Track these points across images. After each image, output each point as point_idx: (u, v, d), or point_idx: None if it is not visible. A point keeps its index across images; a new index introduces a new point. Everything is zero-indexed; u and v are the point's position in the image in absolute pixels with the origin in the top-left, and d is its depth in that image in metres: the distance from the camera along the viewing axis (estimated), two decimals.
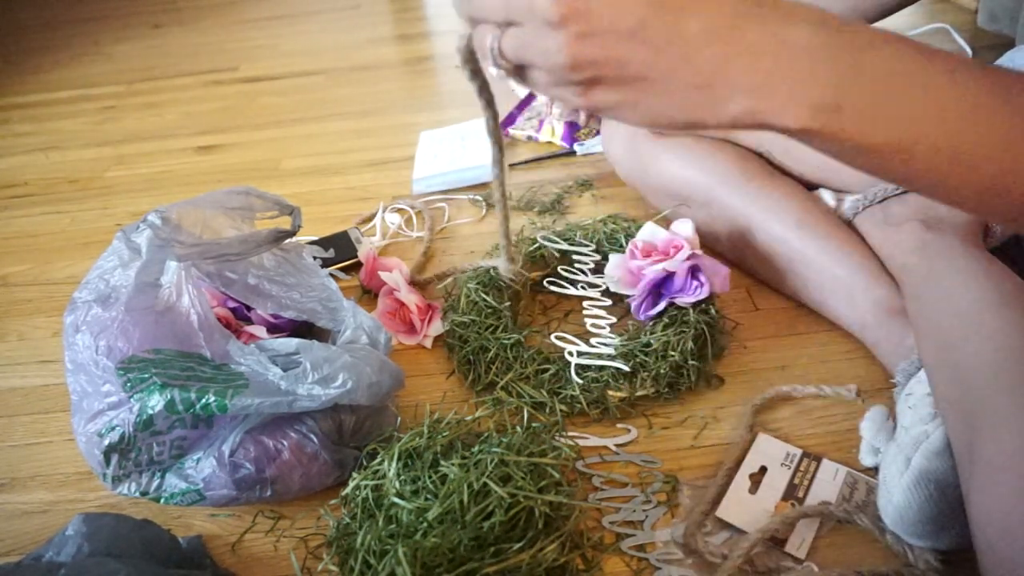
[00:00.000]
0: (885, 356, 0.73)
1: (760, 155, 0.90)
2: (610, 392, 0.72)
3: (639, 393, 0.72)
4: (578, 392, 0.71)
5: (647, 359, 0.73)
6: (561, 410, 0.71)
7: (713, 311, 0.77)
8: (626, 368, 0.72)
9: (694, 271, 0.76)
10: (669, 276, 0.76)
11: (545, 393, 0.72)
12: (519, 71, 0.40)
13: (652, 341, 0.74)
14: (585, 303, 0.80)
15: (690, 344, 0.73)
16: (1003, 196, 0.35)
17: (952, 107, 0.34)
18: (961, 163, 0.35)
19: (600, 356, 0.73)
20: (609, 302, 0.81)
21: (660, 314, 0.76)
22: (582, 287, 0.82)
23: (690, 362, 0.73)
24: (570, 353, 0.73)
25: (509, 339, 0.76)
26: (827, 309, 0.79)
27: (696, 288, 0.75)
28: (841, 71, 0.34)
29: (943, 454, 0.57)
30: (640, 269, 0.78)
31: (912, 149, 0.35)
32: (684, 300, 0.75)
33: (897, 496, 0.57)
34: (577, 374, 0.73)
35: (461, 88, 1.49)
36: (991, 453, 0.50)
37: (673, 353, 0.72)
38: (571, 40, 0.35)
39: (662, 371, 0.72)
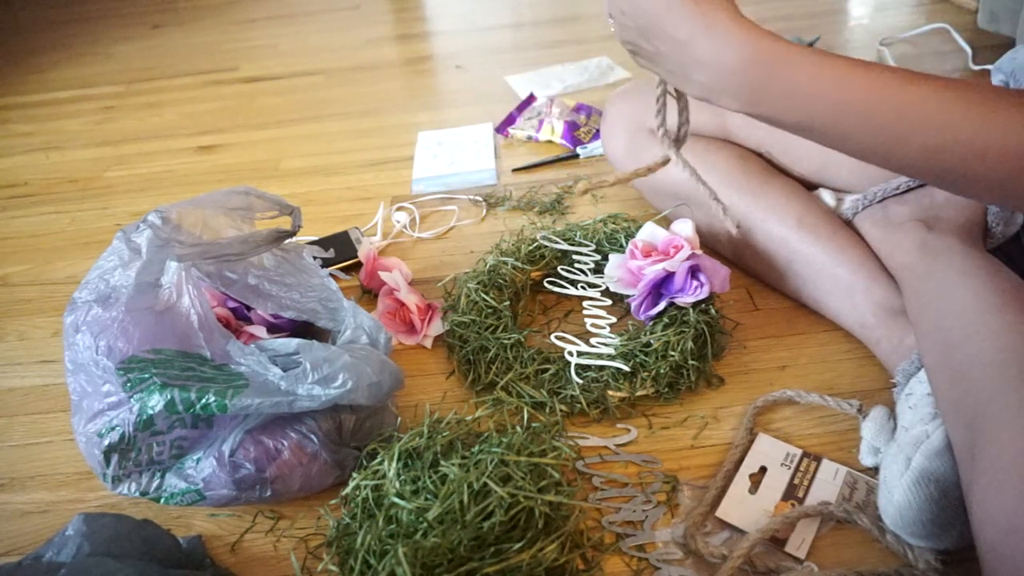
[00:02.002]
0: (885, 356, 0.73)
1: (760, 155, 0.90)
2: (610, 392, 0.72)
3: (639, 393, 0.72)
4: (578, 392, 0.71)
5: (647, 359, 0.73)
6: (561, 410, 0.71)
7: (713, 311, 0.77)
8: (626, 368, 0.72)
9: (694, 271, 0.76)
10: (669, 276, 0.76)
11: (545, 393, 0.72)
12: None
13: (652, 341, 0.74)
14: (585, 303, 0.80)
15: (690, 344, 0.73)
16: (886, 157, 0.52)
17: (836, 100, 0.51)
18: (845, 138, 0.52)
19: (600, 356, 0.73)
20: (609, 302, 0.81)
21: (660, 314, 0.76)
22: (582, 287, 0.82)
23: (690, 362, 0.73)
24: (570, 353, 0.74)
25: (509, 339, 0.76)
26: (827, 309, 0.79)
27: (696, 288, 0.75)
28: (754, 84, 0.53)
29: (944, 454, 0.57)
30: (640, 269, 0.78)
31: (810, 127, 0.53)
32: (684, 300, 0.75)
33: (897, 496, 0.57)
34: (577, 374, 0.73)
35: (461, 88, 1.50)
36: (993, 454, 0.50)
37: (673, 353, 0.72)
38: (617, 28, 0.60)
39: (662, 371, 0.72)
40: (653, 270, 0.76)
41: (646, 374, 0.72)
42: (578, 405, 0.72)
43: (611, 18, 0.61)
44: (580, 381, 0.72)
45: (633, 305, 0.78)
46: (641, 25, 0.56)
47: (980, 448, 0.52)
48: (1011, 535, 0.46)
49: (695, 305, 0.76)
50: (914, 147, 0.50)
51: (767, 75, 0.52)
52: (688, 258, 0.76)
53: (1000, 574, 0.47)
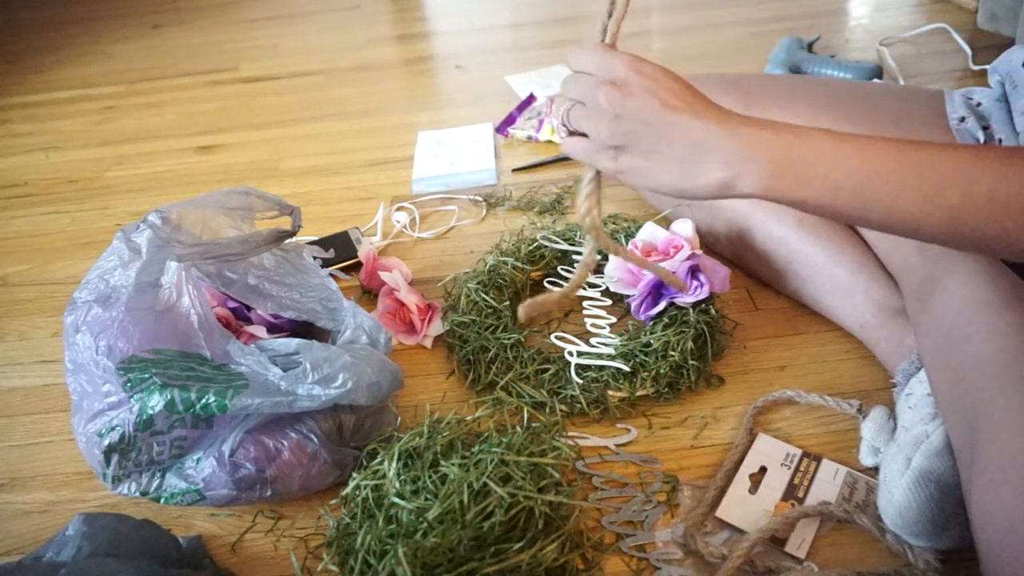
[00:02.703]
0: (885, 356, 0.73)
1: None
2: (610, 392, 0.72)
3: (639, 393, 0.72)
4: (578, 392, 0.71)
5: (647, 359, 0.73)
6: (561, 410, 0.71)
7: (713, 311, 0.77)
8: (626, 368, 0.72)
9: (694, 271, 0.76)
10: None
11: (545, 393, 0.72)
12: (574, 134, 0.58)
13: (652, 341, 0.74)
14: (585, 303, 0.80)
15: (690, 344, 0.73)
16: (914, 225, 0.51)
17: (857, 171, 0.50)
18: (867, 207, 0.51)
19: (600, 356, 0.73)
20: (609, 302, 0.81)
21: (660, 314, 0.76)
22: (582, 287, 0.82)
23: (690, 362, 0.73)
24: (570, 353, 0.74)
25: (509, 339, 0.76)
26: (827, 309, 0.79)
27: (696, 288, 0.75)
28: (774, 159, 0.52)
29: (943, 454, 0.57)
30: (640, 269, 0.78)
31: (832, 202, 0.52)
32: (684, 300, 0.75)
33: (897, 496, 0.57)
34: (577, 374, 0.73)
35: (461, 88, 1.50)
36: (992, 454, 0.50)
37: (673, 353, 0.72)
38: (611, 119, 0.54)
39: (662, 371, 0.72)
40: None
41: (646, 374, 0.72)
42: (578, 405, 0.72)
43: (567, 119, 0.57)
44: (580, 381, 0.72)
45: (633, 305, 0.78)
46: (650, 117, 0.53)
47: (980, 448, 0.52)
48: (1010, 534, 0.46)
49: (695, 305, 0.76)
50: (939, 208, 0.49)
51: (787, 151, 0.51)
52: (688, 258, 0.76)
53: (1000, 574, 0.47)
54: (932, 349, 0.64)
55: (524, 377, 0.74)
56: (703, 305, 0.76)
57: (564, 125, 0.58)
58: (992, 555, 0.47)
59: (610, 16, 0.58)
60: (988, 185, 0.48)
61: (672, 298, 0.76)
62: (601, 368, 0.73)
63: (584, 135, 0.57)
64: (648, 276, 0.76)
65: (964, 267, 0.67)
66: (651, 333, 0.75)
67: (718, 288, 0.77)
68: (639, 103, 0.53)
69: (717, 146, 0.52)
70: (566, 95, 0.58)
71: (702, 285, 0.75)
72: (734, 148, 0.52)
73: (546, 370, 0.74)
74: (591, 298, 0.81)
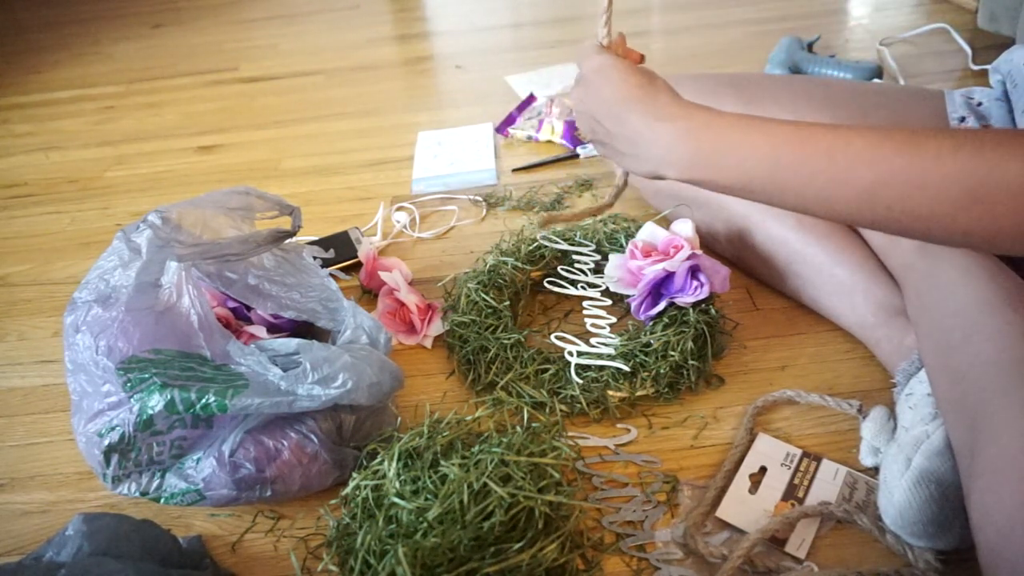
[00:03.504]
0: (885, 356, 0.73)
1: None
2: (610, 392, 0.72)
3: (639, 393, 0.72)
4: (578, 392, 0.71)
5: (647, 359, 0.73)
6: (561, 410, 0.71)
7: (713, 311, 0.77)
8: (626, 368, 0.72)
9: (694, 271, 0.76)
10: (669, 276, 0.76)
11: (545, 393, 0.72)
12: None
13: (652, 341, 0.74)
14: (585, 303, 0.80)
15: (690, 344, 0.73)
16: (827, 205, 0.52)
17: (767, 157, 0.53)
18: (782, 189, 0.54)
19: (600, 356, 0.73)
20: (609, 302, 0.81)
21: (660, 314, 0.76)
22: (582, 287, 0.82)
23: (690, 362, 0.73)
24: (570, 353, 0.74)
25: (509, 339, 0.76)
26: (827, 309, 0.79)
27: (696, 288, 0.75)
28: (690, 150, 0.57)
29: (944, 454, 0.57)
30: (640, 269, 0.78)
31: (749, 185, 0.55)
32: (684, 300, 0.75)
33: (898, 496, 0.57)
34: (577, 374, 0.73)
35: (461, 88, 1.50)
36: (993, 454, 0.50)
37: (673, 353, 0.72)
38: (579, 114, 0.66)
39: (662, 371, 0.72)
40: (653, 270, 0.76)
41: (646, 374, 0.72)
42: (578, 405, 0.72)
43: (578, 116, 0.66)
44: (580, 381, 0.72)
45: (633, 305, 0.78)
46: (598, 112, 0.62)
47: (980, 448, 0.52)
48: (1010, 535, 0.46)
49: (695, 305, 0.76)
50: (851, 188, 0.50)
51: (700, 142, 0.56)
52: (688, 258, 0.76)
53: (1000, 575, 0.47)
54: (932, 349, 0.64)
55: (524, 377, 0.74)
56: (703, 305, 0.76)
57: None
58: (992, 555, 0.47)
59: (605, 20, 0.68)
60: (902, 163, 0.48)
61: (672, 298, 0.76)
62: (601, 368, 0.73)
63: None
64: (648, 276, 0.76)
65: (964, 267, 0.67)
66: (651, 333, 0.75)
67: (718, 288, 0.77)
68: (592, 101, 0.63)
69: (649, 138, 0.59)
70: (573, 95, 0.67)
71: (702, 285, 0.75)
72: (655, 140, 0.58)
73: (546, 370, 0.74)
74: (591, 298, 0.81)
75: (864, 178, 0.49)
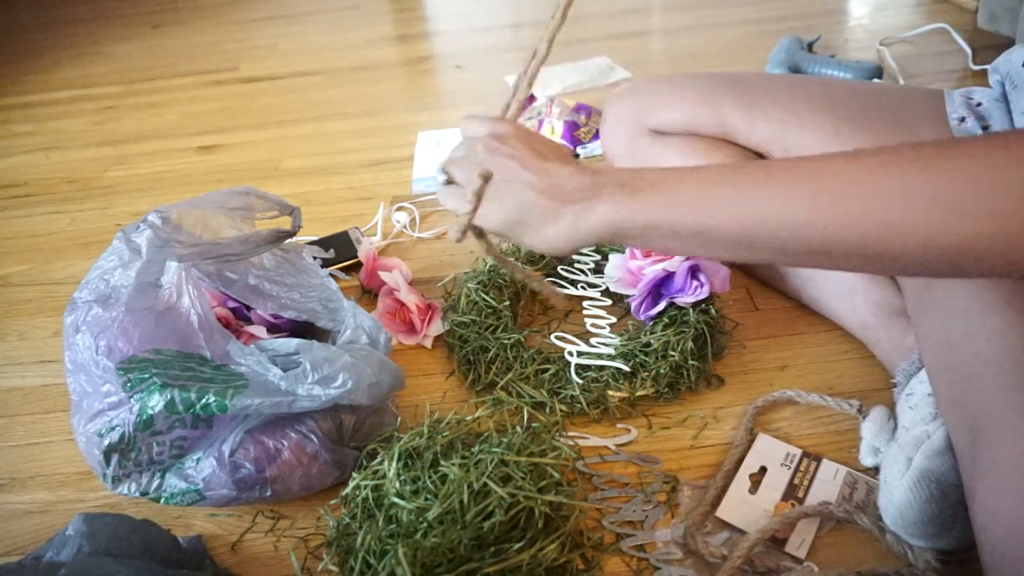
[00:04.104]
0: (885, 356, 0.73)
1: (760, 156, 0.89)
2: (610, 392, 0.72)
3: (639, 393, 0.72)
4: (578, 392, 0.71)
5: (647, 359, 0.73)
6: (561, 410, 0.71)
7: (713, 311, 0.77)
8: (626, 368, 0.72)
9: (694, 271, 0.76)
10: (669, 276, 0.76)
11: (545, 393, 0.72)
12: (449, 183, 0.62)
13: (652, 341, 0.74)
14: (585, 303, 0.80)
15: (690, 344, 0.73)
16: (750, 250, 0.50)
17: (698, 201, 0.50)
18: (710, 234, 0.50)
19: (600, 356, 0.73)
20: (609, 302, 0.81)
21: (660, 314, 0.76)
22: (582, 287, 0.82)
23: (690, 362, 0.73)
24: (570, 353, 0.74)
25: (509, 339, 0.76)
26: (827, 309, 0.79)
27: (696, 288, 0.75)
28: (621, 215, 0.51)
29: (944, 454, 0.57)
30: (640, 269, 0.78)
31: (678, 232, 0.50)
32: (684, 300, 0.75)
33: (898, 496, 0.57)
34: (577, 374, 0.73)
35: (460, 88, 1.50)
36: (995, 455, 0.50)
37: (673, 353, 0.72)
38: (484, 160, 0.56)
39: (662, 371, 0.72)
40: (653, 270, 0.76)
41: (646, 374, 0.72)
42: (578, 405, 0.72)
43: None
44: (580, 381, 0.72)
45: (633, 305, 0.78)
46: (508, 165, 0.56)
47: (982, 449, 0.52)
48: (1014, 537, 0.46)
49: (695, 305, 0.76)
50: (760, 242, 0.48)
51: (631, 196, 0.52)
52: (688, 258, 0.76)
53: (1002, 575, 0.47)
54: (933, 349, 0.64)
55: (524, 377, 0.74)
56: (703, 305, 0.76)
57: (443, 172, 0.62)
58: (996, 557, 0.47)
59: (513, 95, 0.62)
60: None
61: (672, 298, 0.76)
62: (601, 368, 0.73)
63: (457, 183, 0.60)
64: (648, 276, 0.76)
65: None
66: (651, 333, 0.75)
67: (718, 288, 0.77)
68: (511, 148, 0.56)
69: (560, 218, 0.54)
70: (452, 155, 0.61)
71: (702, 285, 0.75)
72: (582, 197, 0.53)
73: (546, 370, 0.74)
74: (591, 298, 0.81)
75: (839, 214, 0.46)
